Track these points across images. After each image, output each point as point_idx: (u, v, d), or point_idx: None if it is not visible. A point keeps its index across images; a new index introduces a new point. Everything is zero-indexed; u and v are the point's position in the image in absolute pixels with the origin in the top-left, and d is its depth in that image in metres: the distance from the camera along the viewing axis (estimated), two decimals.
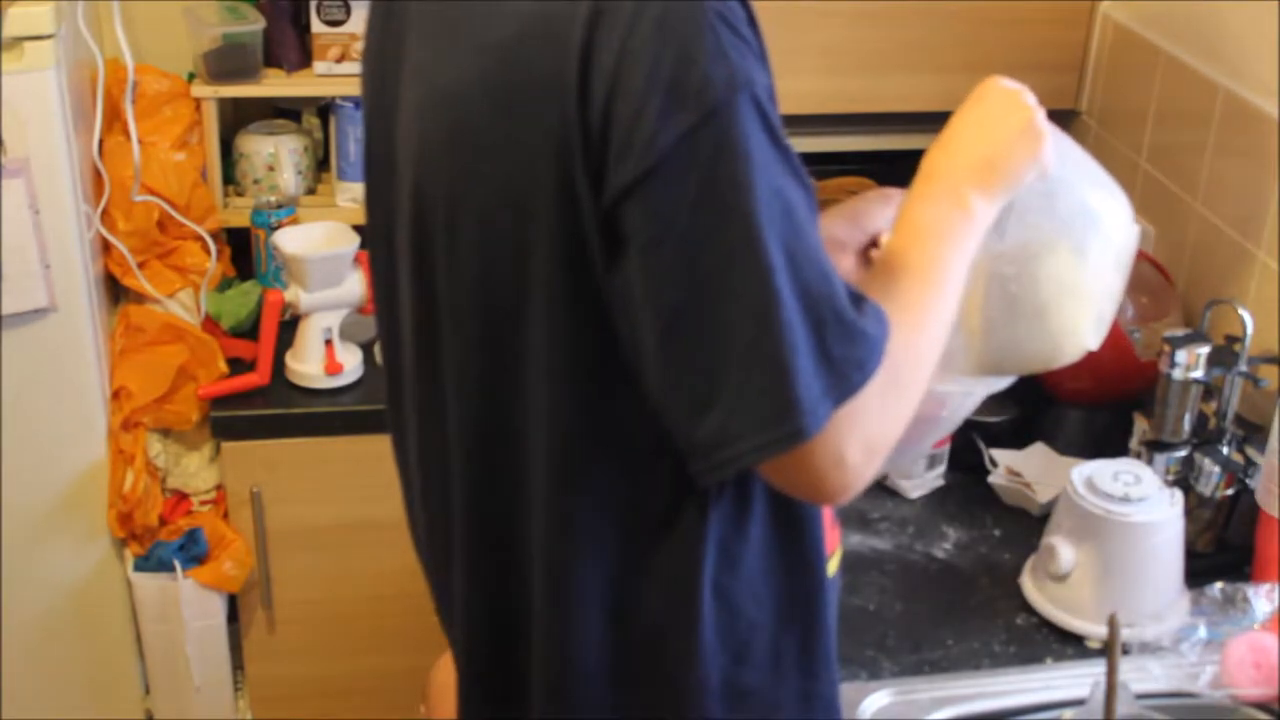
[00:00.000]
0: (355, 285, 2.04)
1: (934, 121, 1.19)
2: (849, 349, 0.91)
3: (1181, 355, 1.54)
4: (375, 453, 2.01)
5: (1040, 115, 1.13)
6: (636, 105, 0.87)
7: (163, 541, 2.07)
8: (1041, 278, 1.20)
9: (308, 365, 2.06)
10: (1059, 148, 1.16)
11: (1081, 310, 1.22)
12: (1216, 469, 1.54)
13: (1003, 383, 1.28)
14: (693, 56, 0.87)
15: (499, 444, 1.05)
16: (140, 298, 2.11)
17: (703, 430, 0.91)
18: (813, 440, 0.90)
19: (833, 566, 1.15)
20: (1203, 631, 1.40)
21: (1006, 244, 1.17)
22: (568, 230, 0.93)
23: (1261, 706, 1.34)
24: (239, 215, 2.19)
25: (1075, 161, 1.21)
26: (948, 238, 1.06)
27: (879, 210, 1.26)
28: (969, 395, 1.26)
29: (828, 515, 1.13)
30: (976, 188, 1.08)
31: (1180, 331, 1.58)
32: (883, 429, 0.96)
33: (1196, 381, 1.55)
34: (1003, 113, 1.12)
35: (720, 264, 0.89)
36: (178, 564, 2.05)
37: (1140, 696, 1.31)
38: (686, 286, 0.89)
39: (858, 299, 0.94)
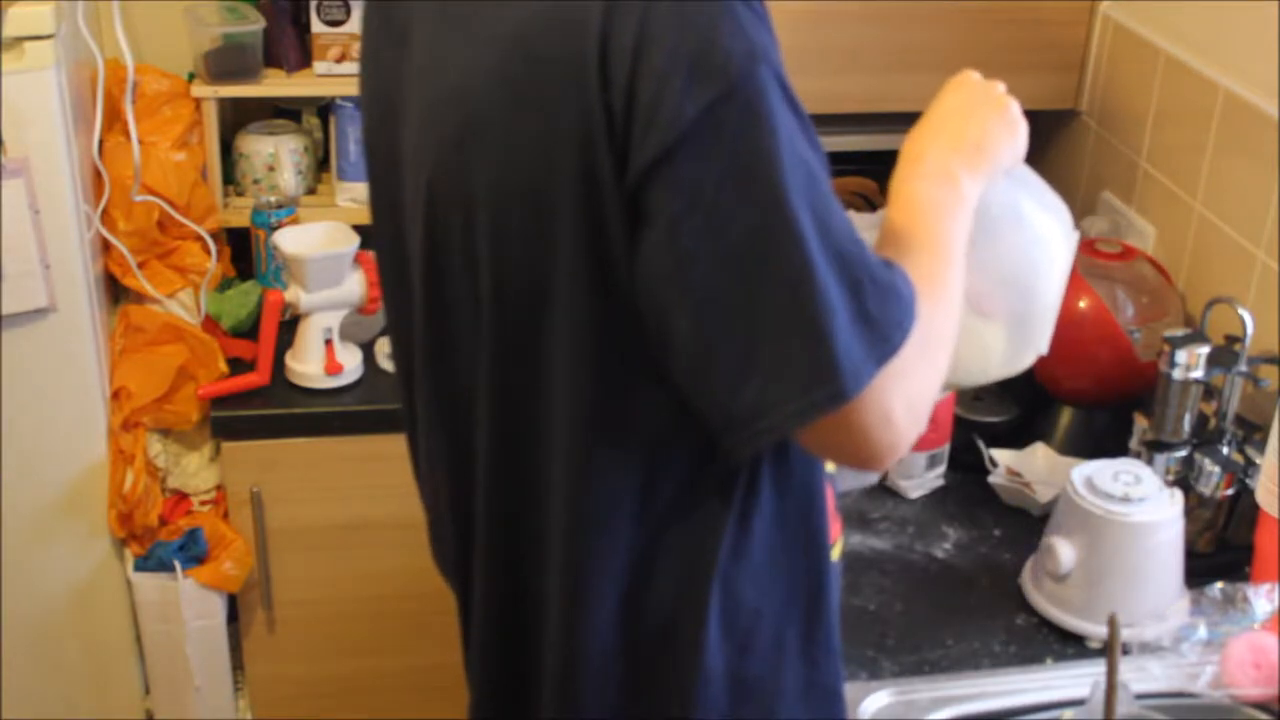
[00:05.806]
0: (355, 285, 2.04)
1: None
2: (886, 308, 0.92)
3: (1181, 355, 1.54)
4: (375, 453, 2.03)
5: (1015, 103, 1.18)
6: (659, 83, 0.88)
7: (163, 541, 2.07)
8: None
9: (308, 365, 2.05)
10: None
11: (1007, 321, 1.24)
12: (1216, 469, 1.54)
13: None
14: (712, 33, 0.88)
15: (518, 440, 1.05)
16: (140, 298, 2.11)
17: (740, 402, 0.91)
18: (860, 400, 0.91)
19: (834, 556, 1.16)
20: (1203, 631, 1.40)
21: None
22: (589, 217, 0.93)
23: (1261, 706, 1.34)
24: (239, 215, 2.19)
25: (1020, 175, 1.25)
26: (946, 213, 1.07)
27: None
28: None
29: (830, 506, 1.13)
30: (964, 167, 1.11)
31: (1180, 331, 1.58)
32: (922, 387, 0.97)
33: (1196, 381, 1.55)
34: (982, 99, 1.17)
35: (750, 234, 0.89)
36: (178, 564, 2.05)
37: (1140, 696, 1.31)
38: (717, 259, 0.89)
39: (885, 262, 0.95)
